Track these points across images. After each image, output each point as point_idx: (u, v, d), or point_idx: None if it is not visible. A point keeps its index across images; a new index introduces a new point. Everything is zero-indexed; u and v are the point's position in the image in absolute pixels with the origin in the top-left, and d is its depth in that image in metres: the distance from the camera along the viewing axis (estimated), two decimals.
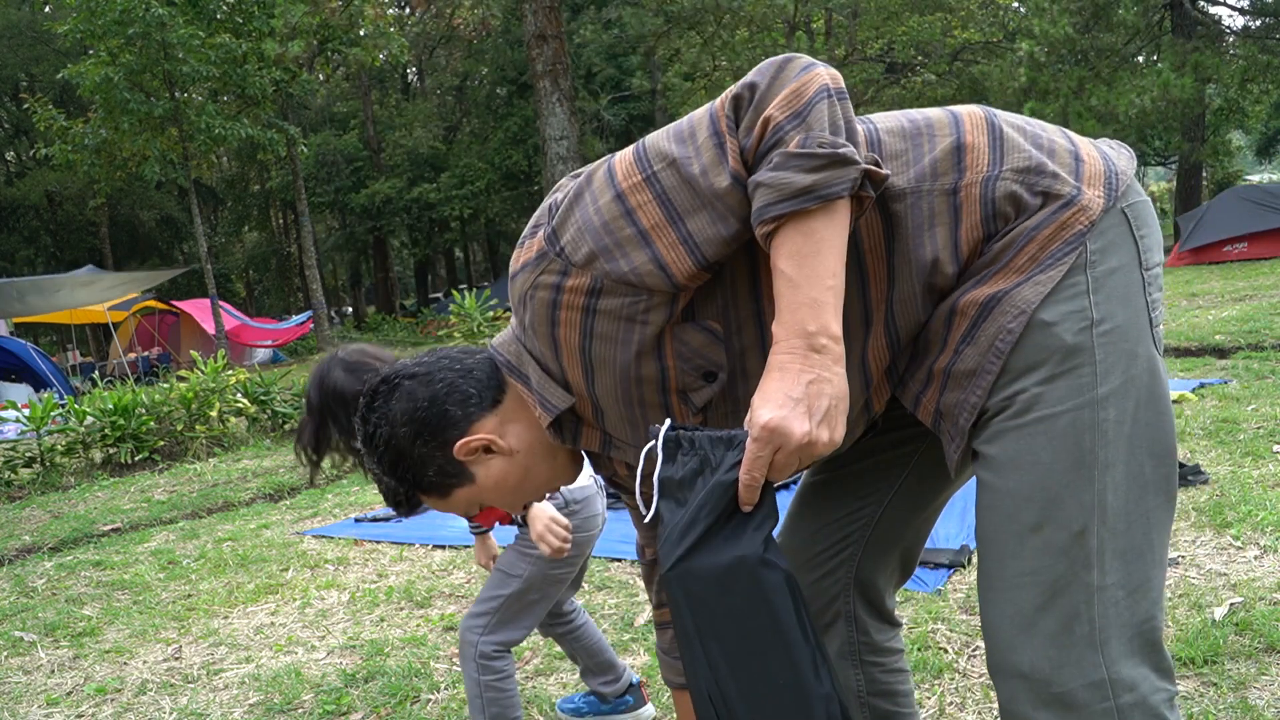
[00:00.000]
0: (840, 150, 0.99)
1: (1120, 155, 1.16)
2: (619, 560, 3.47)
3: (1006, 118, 1.14)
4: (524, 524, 2.09)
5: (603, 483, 2.17)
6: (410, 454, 1.21)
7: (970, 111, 1.14)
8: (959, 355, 1.10)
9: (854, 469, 1.36)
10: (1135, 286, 1.08)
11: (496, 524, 2.23)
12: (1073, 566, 1.03)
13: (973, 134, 1.11)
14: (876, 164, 1.03)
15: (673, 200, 1.04)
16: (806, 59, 1.04)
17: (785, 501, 3.46)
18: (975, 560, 3.03)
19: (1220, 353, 6.26)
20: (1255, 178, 32.76)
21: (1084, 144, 1.14)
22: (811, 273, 1.00)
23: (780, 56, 1.05)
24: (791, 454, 1.00)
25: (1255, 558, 2.77)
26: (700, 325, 1.11)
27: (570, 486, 2.05)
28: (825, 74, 1.03)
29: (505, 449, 1.22)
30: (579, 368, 1.14)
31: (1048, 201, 1.08)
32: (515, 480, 1.25)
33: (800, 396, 0.99)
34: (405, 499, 1.27)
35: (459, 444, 1.20)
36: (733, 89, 1.05)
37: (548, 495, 1.76)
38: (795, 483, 4.16)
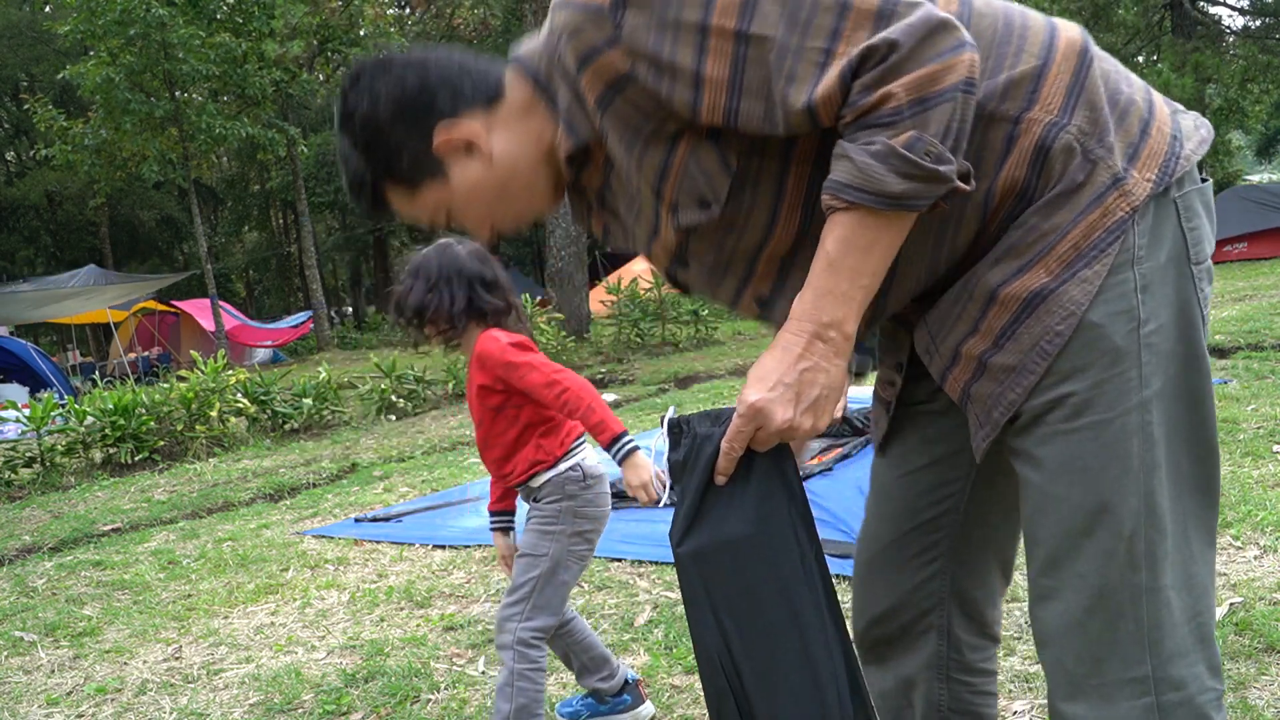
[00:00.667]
0: (942, 169, 0.95)
1: (1193, 136, 1.10)
2: (619, 560, 3.47)
3: (1100, 57, 1.08)
4: (537, 500, 2.12)
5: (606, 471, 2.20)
6: (387, 135, 1.15)
7: (1069, 37, 1.07)
8: (999, 348, 1.07)
9: (922, 466, 1.31)
10: (1184, 281, 1.06)
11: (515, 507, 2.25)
12: (1121, 570, 1.04)
13: (1060, 66, 1.05)
14: (966, 178, 1.00)
15: (745, 72, 0.99)
16: (959, 35, 0.95)
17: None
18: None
19: (1220, 353, 6.26)
20: (1255, 178, 32.73)
21: (1161, 113, 1.09)
22: (854, 266, 0.99)
23: (935, 19, 0.95)
24: (772, 434, 1.04)
25: (1255, 558, 2.77)
26: (720, 151, 1.06)
27: (587, 463, 2.11)
28: (968, 62, 0.95)
29: (485, 153, 1.16)
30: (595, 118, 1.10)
31: (1094, 174, 1.03)
32: (490, 194, 1.18)
33: (791, 383, 1.02)
34: (370, 189, 1.20)
35: (440, 135, 1.14)
36: (871, 28, 0.95)
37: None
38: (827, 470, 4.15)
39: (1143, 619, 1.04)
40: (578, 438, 2.14)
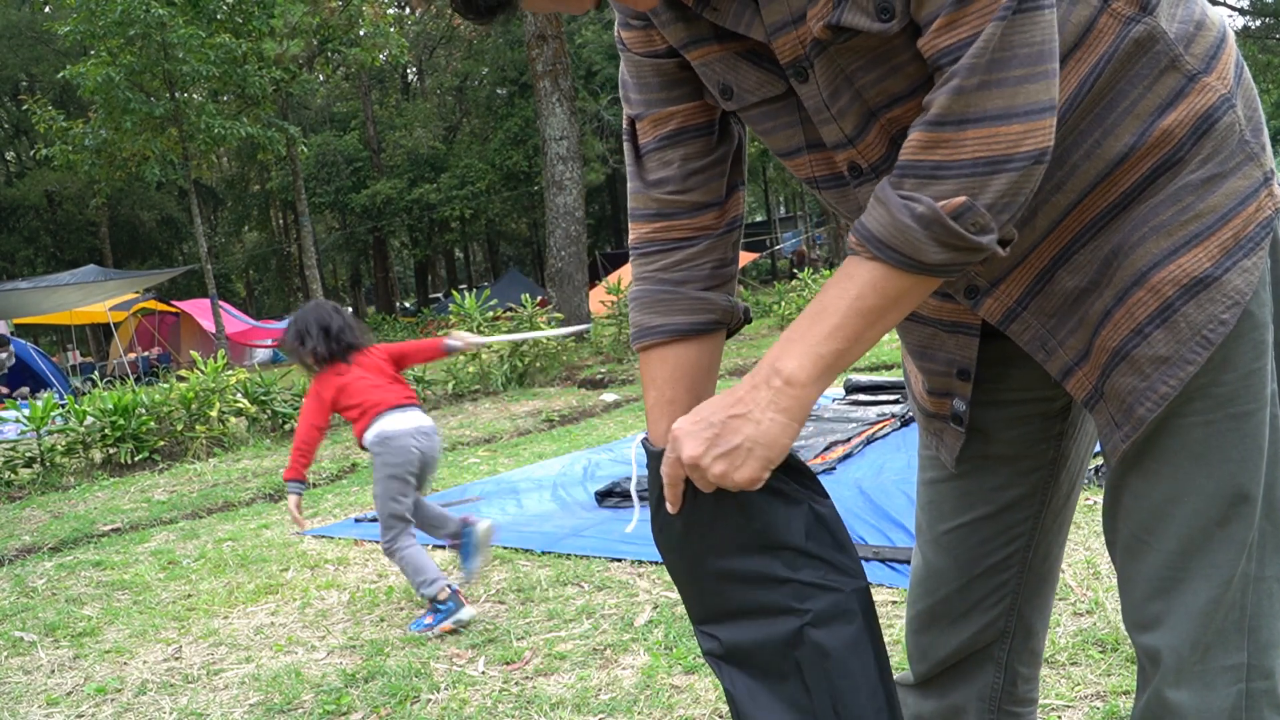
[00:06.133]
0: (984, 240, 0.90)
1: None
2: (619, 560, 3.47)
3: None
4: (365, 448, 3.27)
5: (427, 430, 3.30)
6: None
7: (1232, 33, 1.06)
8: (1145, 338, 1.01)
9: (987, 514, 1.24)
10: None
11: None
12: (1246, 560, 1.04)
13: (1232, 46, 1.03)
14: (1006, 243, 0.95)
15: None
16: (1050, 95, 0.89)
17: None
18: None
19: None
20: None
21: None
22: (842, 326, 0.94)
23: (1043, 52, 0.88)
24: (689, 471, 1.00)
25: None
26: (761, 63, 1.02)
27: (380, 429, 3.20)
28: (1050, 128, 0.89)
29: None
30: None
31: (1249, 167, 1.00)
32: None
33: (716, 423, 0.97)
34: None
35: None
36: (981, 44, 0.87)
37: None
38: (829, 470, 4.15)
39: (1247, 607, 1.04)
40: (374, 418, 3.23)
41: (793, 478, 1.04)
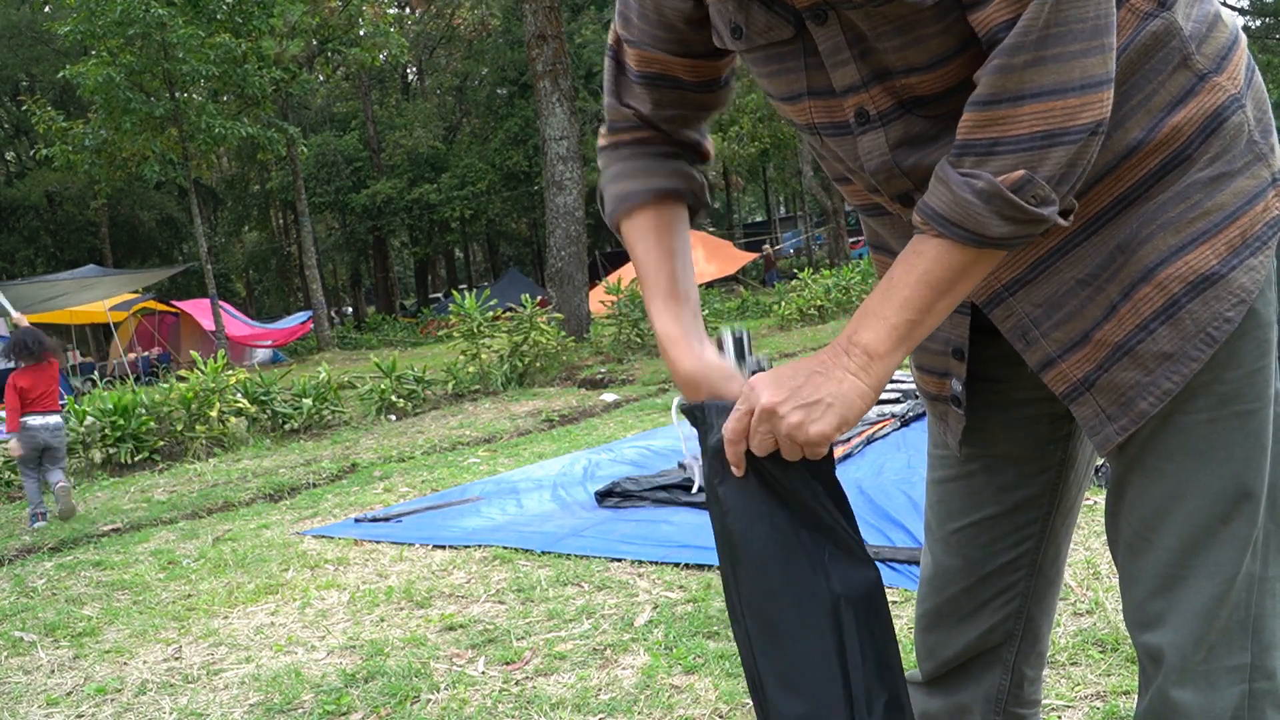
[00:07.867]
0: (1045, 212, 0.91)
1: None
2: (619, 560, 3.47)
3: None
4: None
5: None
6: None
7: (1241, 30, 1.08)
8: (1150, 333, 1.01)
9: (996, 514, 1.25)
10: None
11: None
12: (1250, 559, 1.04)
13: (1244, 48, 1.03)
14: (1068, 213, 0.95)
15: None
16: (1107, 69, 0.90)
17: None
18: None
19: None
20: None
21: None
22: (911, 298, 0.96)
23: (1099, 26, 0.88)
24: (761, 420, 0.98)
25: None
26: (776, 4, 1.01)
27: (27, 422, 5.60)
28: (1107, 100, 0.90)
29: None
30: None
31: (1257, 166, 1.01)
32: None
33: (796, 384, 0.98)
34: None
35: None
36: (1027, 21, 0.88)
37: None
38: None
39: (1251, 608, 1.04)
40: (30, 413, 5.60)
41: None
